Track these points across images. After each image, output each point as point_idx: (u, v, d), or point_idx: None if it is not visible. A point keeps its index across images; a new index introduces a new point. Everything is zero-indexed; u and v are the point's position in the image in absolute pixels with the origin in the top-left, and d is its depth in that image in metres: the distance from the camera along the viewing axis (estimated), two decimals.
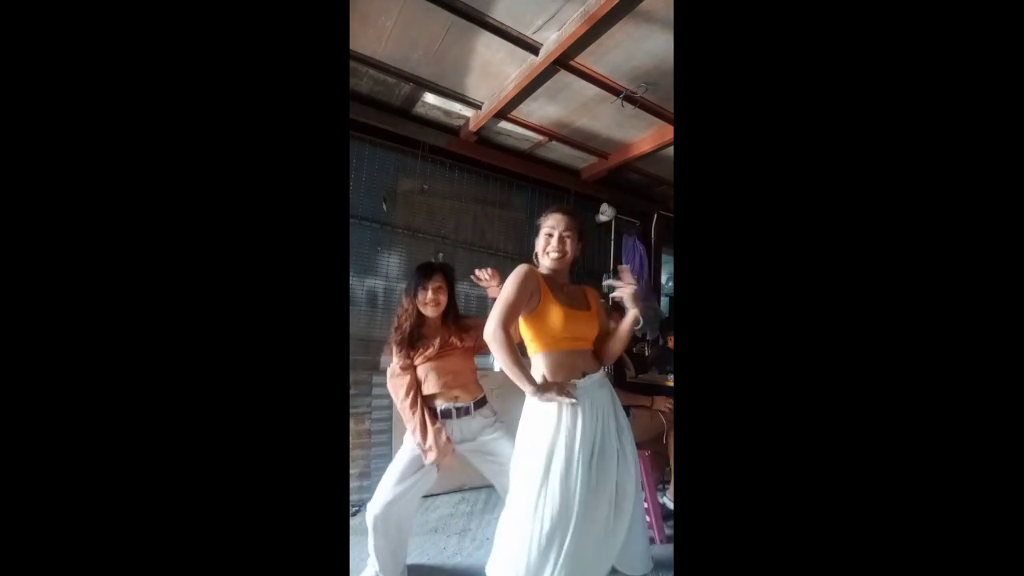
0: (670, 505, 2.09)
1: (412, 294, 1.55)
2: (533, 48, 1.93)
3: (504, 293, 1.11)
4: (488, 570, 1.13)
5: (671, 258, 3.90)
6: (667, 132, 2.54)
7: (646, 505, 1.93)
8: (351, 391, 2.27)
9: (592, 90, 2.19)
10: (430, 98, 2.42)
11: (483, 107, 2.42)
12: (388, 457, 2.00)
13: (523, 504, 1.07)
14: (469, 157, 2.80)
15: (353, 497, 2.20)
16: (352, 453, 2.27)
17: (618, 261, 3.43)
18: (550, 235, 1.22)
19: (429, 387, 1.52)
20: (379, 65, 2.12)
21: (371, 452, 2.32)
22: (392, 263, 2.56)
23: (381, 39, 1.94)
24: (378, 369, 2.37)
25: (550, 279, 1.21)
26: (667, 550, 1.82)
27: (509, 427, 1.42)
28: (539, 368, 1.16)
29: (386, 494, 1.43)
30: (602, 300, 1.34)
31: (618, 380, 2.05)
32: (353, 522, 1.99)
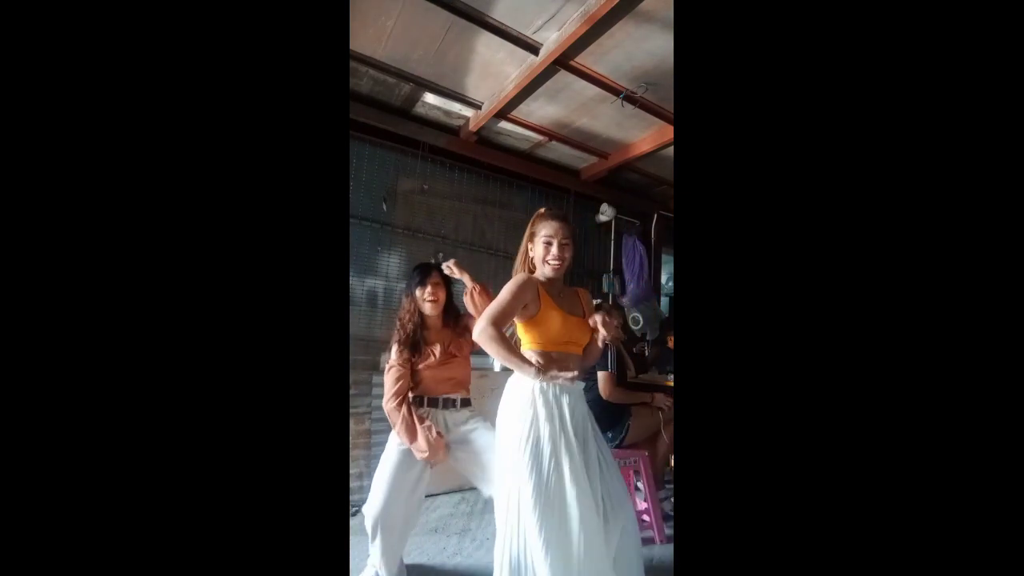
0: (668, 508, 2.09)
1: (411, 293, 1.59)
2: (533, 48, 1.93)
3: (499, 297, 1.15)
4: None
5: (671, 258, 3.90)
6: (667, 132, 2.54)
7: (646, 505, 1.93)
8: (351, 391, 2.27)
9: (592, 90, 2.19)
10: (430, 98, 2.42)
11: (483, 107, 2.42)
12: None
13: (512, 495, 1.08)
14: (469, 157, 2.81)
15: (353, 497, 2.20)
16: (352, 453, 2.27)
17: (618, 261, 3.44)
18: (549, 243, 1.22)
19: (426, 390, 1.57)
20: (379, 65, 2.12)
21: (371, 452, 2.31)
22: (392, 263, 2.56)
23: (381, 39, 1.94)
24: (378, 369, 2.37)
25: (548, 286, 1.23)
26: (667, 550, 1.82)
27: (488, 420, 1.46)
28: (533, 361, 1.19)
29: (381, 494, 1.43)
30: (592, 304, 1.36)
31: (619, 379, 2.05)
32: (353, 522, 1.99)
